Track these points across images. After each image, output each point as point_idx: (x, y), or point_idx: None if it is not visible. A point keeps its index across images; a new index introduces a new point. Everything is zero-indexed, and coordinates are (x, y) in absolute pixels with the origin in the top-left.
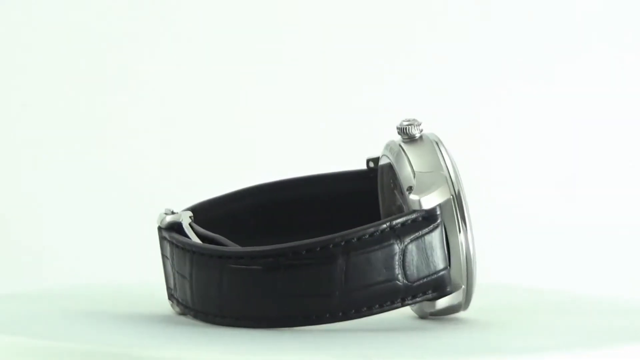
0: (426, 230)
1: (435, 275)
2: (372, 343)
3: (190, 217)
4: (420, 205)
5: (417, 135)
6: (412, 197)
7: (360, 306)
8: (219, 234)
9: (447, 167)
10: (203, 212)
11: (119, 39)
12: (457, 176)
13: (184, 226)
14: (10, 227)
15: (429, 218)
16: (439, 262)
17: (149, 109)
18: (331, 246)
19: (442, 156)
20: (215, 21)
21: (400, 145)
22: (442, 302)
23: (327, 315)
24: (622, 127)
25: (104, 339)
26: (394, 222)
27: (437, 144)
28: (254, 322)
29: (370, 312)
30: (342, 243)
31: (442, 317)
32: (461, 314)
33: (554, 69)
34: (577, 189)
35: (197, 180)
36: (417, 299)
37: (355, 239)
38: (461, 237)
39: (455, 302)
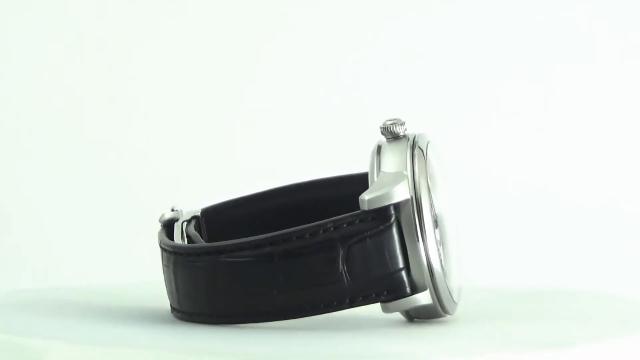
0: (375, 230)
1: (390, 276)
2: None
3: (194, 217)
4: (366, 204)
5: (401, 133)
6: (361, 196)
7: (304, 305)
8: (241, 235)
9: (413, 167)
10: (225, 212)
11: (124, 38)
12: (421, 177)
13: (175, 225)
14: (11, 227)
15: (378, 218)
16: (393, 263)
17: (148, 110)
18: (269, 246)
19: (412, 156)
20: (215, 23)
21: (378, 145)
22: (402, 304)
23: (272, 313)
24: (617, 128)
25: (104, 339)
26: (339, 222)
27: (414, 144)
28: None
29: (315, 312)
30: (281, 242)
31: (428, 320)
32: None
33: (553, 68)
34: (576, 188)
35: (197, 182)
36: (370, 301)
37: (295, 238)
38: (420, 238)
39: (422, 304)
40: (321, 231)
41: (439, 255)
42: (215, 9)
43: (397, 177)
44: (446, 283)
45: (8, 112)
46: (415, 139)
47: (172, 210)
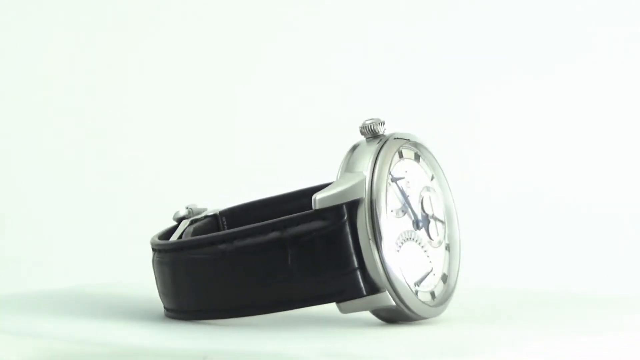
0: (326, 230)
1: (343, 276)
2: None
3: (208, 216)
4: (317, 204)
5: (380, 132)
6: (314, 195)
7: (256, 303)
8: None
9: (374, 167)
10: (251, 212)
11: (126, 38)
12: (380, 178)
13: (181, 223)
14: (11, 228)
15: (329, 217)
16: (346, 263)
17: (149, 110)
18: (222, 243)
19: (377, 157)
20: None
21: (354, 145)
22: (358, 305)
23: (226, 311)
24: (613, 129)
25: (104, 339)
26: (289, 221)
27: (384, 144)
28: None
29: (267, 310)
30: (234, 240)
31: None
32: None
33: (546, 70)
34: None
35: (195, 182)
36: (324, 300)
37: (246, 236)
38: (372, 238)
39: (383, 305)
40: (271, 230)
41: (414, 255)
42: (216, 9)
43: (354, 177)
44: (410, 285)
45: (7, 113)
46: (388, 140)
47: (187, 208)
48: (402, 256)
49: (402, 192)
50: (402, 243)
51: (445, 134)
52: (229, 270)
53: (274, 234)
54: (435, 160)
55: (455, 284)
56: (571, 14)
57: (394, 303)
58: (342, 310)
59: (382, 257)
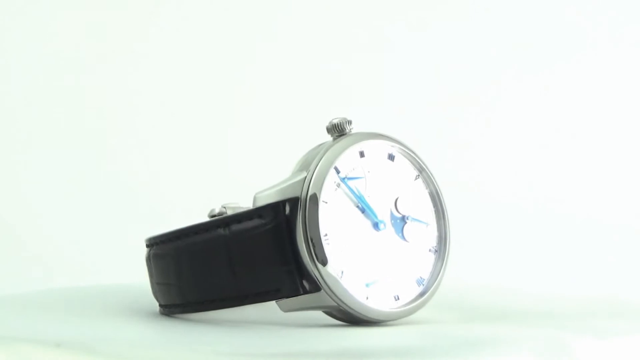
0: (263, 228)
1: (279, 274)
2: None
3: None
4: (254, 201)
5: (347, 131)
6: (255, 193)
7: (205, 300)
8: None
9: (316, 167)
10: None
11: (132, 40)
12: (317, 177)
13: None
14: (12, 228)
15: (267, 215)
16: (281, 261)
17: (149, 110)
18: (176, 240)
19: (324, 155)
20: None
21: (319, 145)
22: (294, 303)
23: (182, 305)
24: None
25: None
26: (231, 219)
27: (335, 143)
28: None
29: (215, 306)
30: (184, 237)
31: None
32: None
33: (548, 69)
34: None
35: (196, 183)
36: (264, 298)
37: (193, 234)
38: (306, 237)
39: (321, 304)
40: (217, 227)
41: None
42: (217, 9)
43: (298, 175)
44: (354, 285)
45: (8, 113)
46: (343, 139)
47: (223, 207)
48: (347, 256)
49: (355, 192)
50: (350, 243)
51: (445, 134)
52: (184, 265)
53: (218, 231)
54: (420, 160)
55: (435, 287)
56: (570, 14)
57: (333, 303)
58: (281, 308)
59: (317, 256)
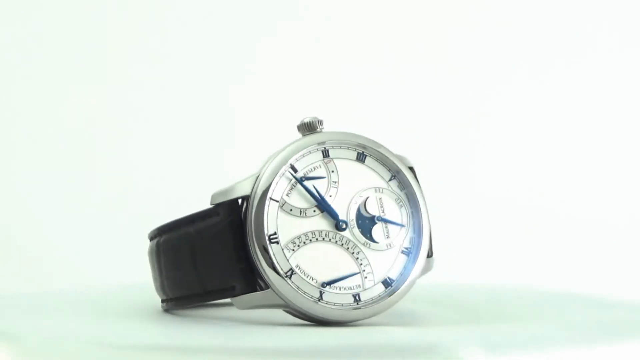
0: (220, 225)
1: (234, 272)
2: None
3: None
4: (210, 199)
5: (318, 129)
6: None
7: (180, 296)
8: None
9: (269, 164)
10: None
11: (133, 40)
12: (265, 175)
13: None
14: (12, 228)
15: (223, 213)
16: (235, 259)
17: (149, 111)
18: (158, 236)
19: (279, 154)
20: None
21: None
22: (246, 300)
23: (166, 301)
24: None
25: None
26: (195, 216)
27: (295, 142)
28: None
29: (191, 302)
30: (162, 234)
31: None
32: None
33: (548, 71)
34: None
35: (196, 183)
36: (224, 295)
37: (167, 230)
38: (252, 235)
39: (271, 303)
40: (184, 225)
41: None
42: (216, 9)
43: (250, 175)
44: (306, 284)
45: (7, 113)
46: (303, 138)
47: None
48: (299, 256)
49: (312, 192)
50: (303, 242)
51: (445, 134)
52: (159, 263)
53: (185, 229)
54: (399, 161)
55: (406, 288)
56: (570, 15)
57: (281, 301)
58: (237, 306)
59: (261, 254)
